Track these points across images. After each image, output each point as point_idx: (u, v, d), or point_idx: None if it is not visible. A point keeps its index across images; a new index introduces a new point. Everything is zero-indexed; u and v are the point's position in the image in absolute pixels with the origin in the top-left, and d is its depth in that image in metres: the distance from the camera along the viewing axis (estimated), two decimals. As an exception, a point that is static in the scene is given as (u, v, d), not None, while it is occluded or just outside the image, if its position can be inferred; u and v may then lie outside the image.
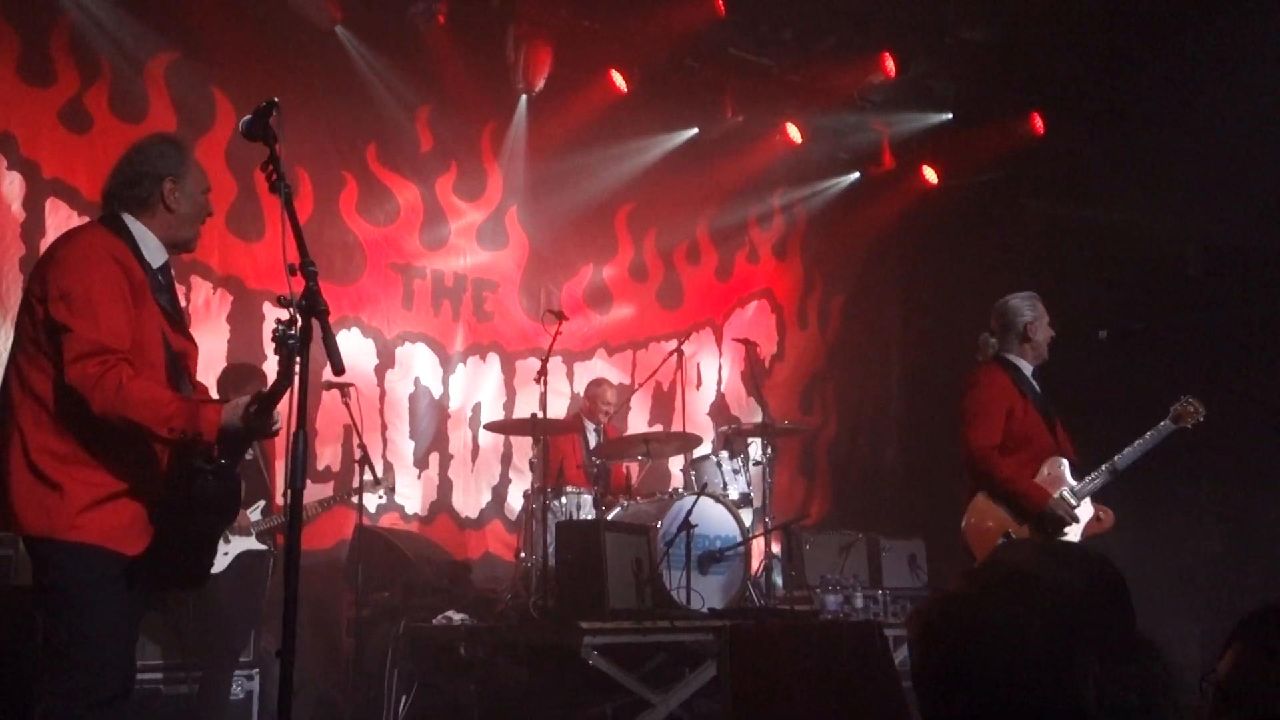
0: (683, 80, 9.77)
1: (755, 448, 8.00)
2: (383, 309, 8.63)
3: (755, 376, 9.00)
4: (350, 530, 7.12)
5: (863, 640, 5.92)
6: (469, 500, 8.88)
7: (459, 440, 8.92)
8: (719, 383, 10.58)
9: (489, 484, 9.03)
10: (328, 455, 8.06)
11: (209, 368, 6.19)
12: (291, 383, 3.03)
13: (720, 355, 10.61)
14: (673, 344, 8.53)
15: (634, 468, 8.38)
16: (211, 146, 7.46)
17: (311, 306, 3.04)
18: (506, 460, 9.13)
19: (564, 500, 7.25)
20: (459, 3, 8.53)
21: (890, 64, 9.60)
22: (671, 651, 6.75)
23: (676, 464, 8.88)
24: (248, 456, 3.61)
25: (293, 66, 8.04)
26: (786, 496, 10.03)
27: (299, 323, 3.02)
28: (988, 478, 5.34)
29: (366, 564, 6.87)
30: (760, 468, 7.94)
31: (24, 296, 3.54)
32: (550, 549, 6.61)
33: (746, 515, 7.53)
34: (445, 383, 8.91)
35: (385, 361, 8.59)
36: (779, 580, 7.88)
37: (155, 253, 3.57)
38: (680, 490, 7.52)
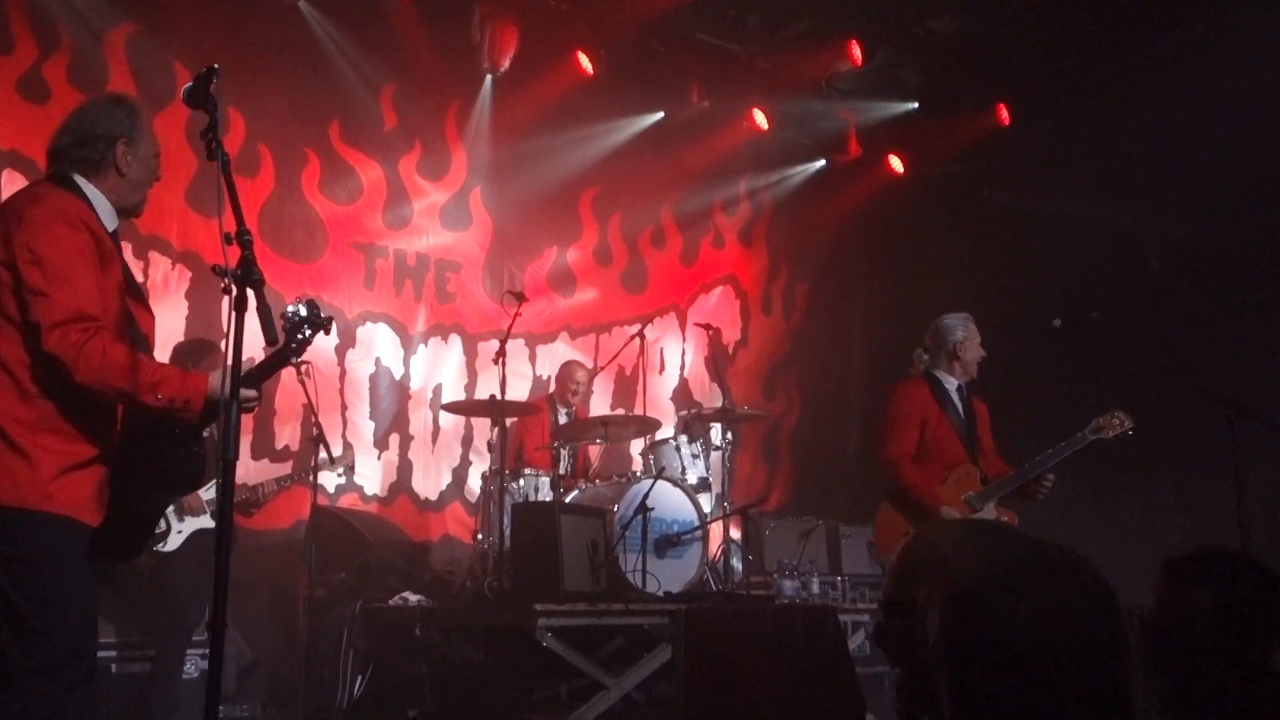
0: (649, 64, 9.76)
1: (715, 433, 8.02)
2: (344, 288, 8.53)
3: (718, 362, 8.95)
4: (308, 510, 7.08)
5: (818, 625, 5.96)
6: (429, 482, 8.83)
7: (419, 421, 8.87)
8: (682, 368, 10.58)
9: (449, 466, 8.99)
10: (286, 434, 7.98)
11: (166, 343, 6.14)
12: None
13: (684, 340, 10.61)
14: (636, 328, 8.51)
15: (595, 451, 8.37)
16: (171, 120, 7.30)
17: (246, 276, 3.01)
18: (467, 442, 9.09)
19: (522, 482, 7.25)
20: (425, -20, 8.47)
21: (857, 52, 9.60)
22: (629, 635, 6.77)
23: (638, 448, 8.87)
24: (205, 434, 3.56)
25: (256, 41, 7.93)
26: (748, 482, 10.07)
27: (306, 311, 3.03)
28: (894, 484, 5.77)
29: (323, 544, 6.83)
30: (720, 453, 7.96)
31: None
32: (507, 531, 6.61)
33: (705, 500, 7.55)
34: (406, 363, 8.85)
35: (346, 341, 8.49)
36: (738, 565, 7.89)
37: (108, 217, 3.44)
38: (638, 474, 7.49)
